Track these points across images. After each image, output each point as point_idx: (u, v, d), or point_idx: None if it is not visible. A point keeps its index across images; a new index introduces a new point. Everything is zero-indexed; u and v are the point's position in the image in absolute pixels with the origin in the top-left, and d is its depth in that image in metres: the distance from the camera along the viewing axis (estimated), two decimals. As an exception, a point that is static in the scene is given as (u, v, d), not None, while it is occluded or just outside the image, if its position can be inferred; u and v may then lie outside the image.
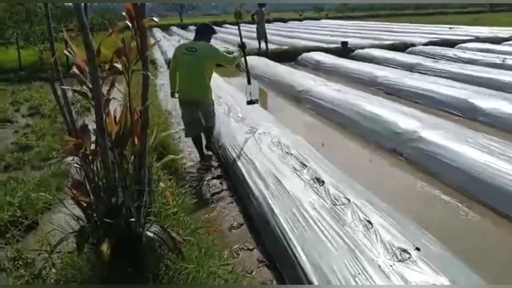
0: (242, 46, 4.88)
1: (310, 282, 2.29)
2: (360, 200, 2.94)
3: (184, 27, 35.85)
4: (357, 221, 2.69)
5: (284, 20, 40.62)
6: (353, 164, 4.48)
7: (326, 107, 6.61)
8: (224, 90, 7.30)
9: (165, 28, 35.61)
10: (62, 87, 2.26)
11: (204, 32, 4.73)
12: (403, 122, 5.10)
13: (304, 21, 42.46)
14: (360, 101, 6.24)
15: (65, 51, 2.14)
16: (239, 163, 4.05)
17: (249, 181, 3.61)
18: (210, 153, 5.01)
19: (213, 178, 4.40)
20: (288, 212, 2.93)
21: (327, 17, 48.18)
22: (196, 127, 4.65)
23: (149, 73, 2.16)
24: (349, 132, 5.69)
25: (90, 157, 1.94)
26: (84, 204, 1.93)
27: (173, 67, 4.72)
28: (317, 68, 11.48)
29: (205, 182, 4.27)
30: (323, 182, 3.27)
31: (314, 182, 3.31)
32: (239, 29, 5.91)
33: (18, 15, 16.46)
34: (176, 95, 4.72)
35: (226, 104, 6.32)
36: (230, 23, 39.08)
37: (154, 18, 2.16)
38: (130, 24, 2.06)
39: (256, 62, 11.85)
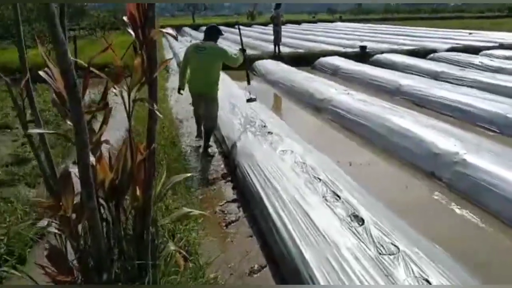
0: (242, 50, 5.41)
1: None
2: (411, 247, 2.41)
3: (196, 27, 35.42)
4: (411, 279, 2.16)
5: (298, 22, 40.01)
6: (388, 191, 3.96)
7: (350, 120, 6.07)
8: (239, 98, 6.77)
9: (177, 28, 35.30)
10: (31, 131, 1.76)
11: (212, 33, 5.20)
12: (441, 141, 4.54)
13: (318, 23, 41.87)
14: (389, 114, 5.69)
15: (40, 72, 1.65)
16: (258, 188, 3.53)
17: (272, 213, 3.09)
18: (210, 154, 5.19)
19: (228, 202, 3.89)
20: (322, 261, 2.41)
21: (341, 20, 47.45)
22: (200, 115, 5.34)
23: (156, 107, 1.66)
24: (378, 149, 5.15)
25: (74, 218, 1.44)
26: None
27: (184, 65, 5.22)
28: (335, 74, 10.93)
29: (219, 208, 3.77)
30: (363, 220, 2.74)
31: (352, 220, 2.78)
32: (239, 33, 6.21)
33: (29, 13, 16.21)
34: (182, 91, 5.27)
35: (242, 115, 5.81)
36: (242, 24, 38.80)
37: (170, 31, 1.64)
38: (133, 34, 1.57)
39: (271, 66, 11.36)
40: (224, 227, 3.43)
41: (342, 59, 12.21)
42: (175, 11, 78.13)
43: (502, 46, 14.57)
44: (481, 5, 61.02)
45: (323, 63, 12.13)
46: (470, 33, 20.95)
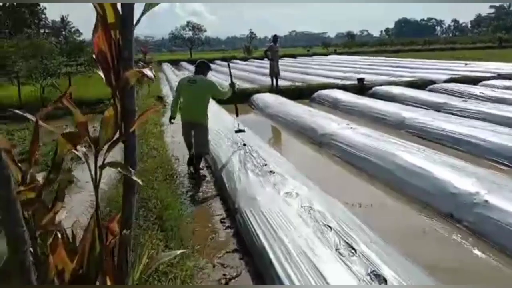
0: (232, 85, 5.93)
1: None
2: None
3: (193, 62, 35.58)
4: None
5: (293, 56, 40.48)
6: (406, 238, 3.59)
7: (355, 155, 5.74)
8: (246, 138, 6.46)
9: (174, 62, 35.60)
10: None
11: (202, 68, 5.75)
12: (457, 178, 4.21)
13: (313, 57, 42.36)
14: (397, 149, 5.38)
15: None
16: (262, 239, 3.15)
17: (279, 271, 2.70)
18: (202, 176, 5.54)
19: (228, 252, 3.50)
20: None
21: (336, 53, 48.10)
22: (191, 142, 5.64)
23: (134, 177, 1.32)
24: (388, 188, 4.79)
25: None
26: None
27: (177, 96, 5.74)
28: (334, 107, 10.71)
29: (218, 260, 3.37)
30: (385, 280, 2.36)
31: (372, 279, 2.40)
32: (229, 68, 6.58)
33: (25, 50, 16.10)
34: (173, 120, 5.80)
35: (241, 152, 5.48)
36: (239, 59, 39.23)
37: (148, 72, 1.30)
38: (103, 77, 1.25)
39: (269, 100, 11.14)
40: (225, 284, 3.03)
41: (341, 91, 12.04)
42: (172, 47, 79.36)
43: (500, 76, 14.51)
44: (473, 36, 62.21)
45: (322, 96, 11.94)
46: (466, 64, 21.03)
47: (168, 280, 2.64)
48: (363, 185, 5.07)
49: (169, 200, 3.83)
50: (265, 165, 4.80)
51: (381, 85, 13.18)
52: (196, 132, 5.54)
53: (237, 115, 6.51)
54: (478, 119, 7.63)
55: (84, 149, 1.33)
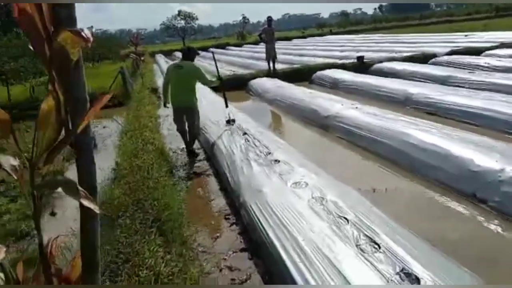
0: (219, 78, 6.10)
1: None
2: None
3: (187, 51, 35.01)
4: None
5: (289, 38, 39.81)
6: (430, 224, 3.27)
7: (364, 137, 5.40)
8: (242, 122, 6.14)
9: (168, 53, 35.04)
10: None
11: (189, 54, 5.92)
12: (478, 155, 3.87)
13: (308, 38, 41.69)
14: (408, 127, 5.04)
15: None
16: (272, 236, 2.83)
17: (296, 276, 2.39)
18: (193, 152, 5.94)
19: (235, 252, 3.19)
20: None
21: (331, 33, 47.34)
22: (182, 124, 5.83)
23: (92, 204, 1.03)
24: (403, 170, 4.47)
25: None
26: None
27: (166, 82, 5.87)
28: (335, 87, 10.33)
29: (225, 262, 3.06)
30: (418, 280, 2.04)
31: (402, 279, 2.09)
32: (214, 59, 6.84)
33: (13, 50, 15.68)
34: (168, 105, 5.87)
35: (242, 141, 5.15)
36: (233, 45, 38.64)
37: (84, 33, 0.94)
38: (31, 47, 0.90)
39: (268, 84, 10.75)
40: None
41: (341, 71, 11.65)
42: (165, 38, 78.45)
43: (503, 45, 14.06)
44: (469, 7, 61.31)
45: (321, 77, 11.55)
46: (466, 35, 20.51)
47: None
48: (374, 168, 4.74)
49: (167, 199, 3.51)
50: (269, 153, 4.47)
51: (381, 62, 12.76)
52: (187, 116, 5.71)
53: (226, 106, 6.43)
54: (489, 90, 7.27)
55: (16, 161, 0.98)
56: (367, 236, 2.54)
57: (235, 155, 4.74)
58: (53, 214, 4.19)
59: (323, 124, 6.58)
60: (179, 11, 66.81)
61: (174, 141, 6.81)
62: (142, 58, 20.19)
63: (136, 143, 5.83)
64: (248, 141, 5.13)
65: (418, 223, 3.18)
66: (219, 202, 4.22)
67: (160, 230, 3.03)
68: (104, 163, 5.55)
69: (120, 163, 5.01)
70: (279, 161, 4.14)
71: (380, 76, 10.59)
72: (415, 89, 7.71)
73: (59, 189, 0.93)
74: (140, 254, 2.68)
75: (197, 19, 66.56)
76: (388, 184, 4.16)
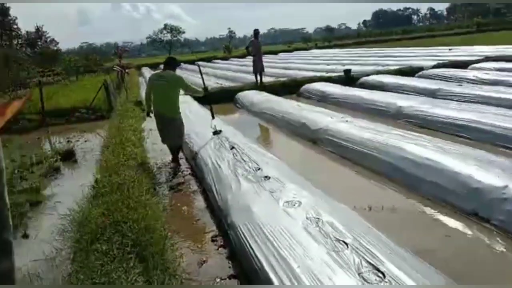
0: (205, 89, 6.27)
1: None
2: None
3: (172, 64, 34.78)
4: None
5: (275, 52, 39.94)
6: (434, 247, 3.04)
7: (355, 150, 5.20)
8: (229, 135, 5.91)
9: (154, 66, 34.77)
10: None
11: (170, 64, 5.95)
12: (479, 171, 3.69)
13: (294, 52, 41.93)
14: (401, 141, 4.86)
15: None
16: (264, 264, 2.56)
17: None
18: (178, 163, 5.97)
19: (222, 279, 2.91)
20: None
21: (317, 47, 47.73)
22: (167, 136, 5.86)
23: None
24: (399, 186, 4.26)
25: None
26: None
27: (148, 91, 5.92)
28: (323, 100, 10.18)
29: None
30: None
31: (413, 315, 1.84)
32: (200, 71, 7.18)
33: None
34: (151, 114, 5.95)
35: (230, 156, 4.90)
36: (220, 58, 38.60)
37: None
38: None
39: (255, 97, 10.57)
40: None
41: (329, 84, 11.55)
42: (152, 51, 78.30)
43: (489, 59, 14.17)
44: (450, 23, 62.57)
45: (309, 89, 11.41)
46: (450, 49, 20.76)
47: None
48: (369, 184, 4.53)
49: (149, 220, 3.22)
50: (259, 169, 4.23)
51: (368, 75, 12.70)
52: (170, 126, 5.72)
53: (213, 117, 6.68)
54: (479, 103, 7.19)
55: None
56: (369, 263, 2.30)
57: (222, 171, 4.48)
58: (25, 236, 3.86)
59: (312, 137, 6.38)
60: (165, 25, 66.90)
61: (158, 155, 6.55)
62: (127, 71, 19.92)
63: (117, 158, 5.54)
64: (236, 155, 4.89)
65: (420, 245, 2.95)
66: (206, 221, 3.95)
67: (140, 255, 2.74)
68: (83, 180, 5.24)
69: (100, 179, 4.71)
70: (269, 178, 3.89)
71: (368, 89, 10.50)
72: (405, 102, 7.58)
73: None
74: (117, 284, 2.40)
75: (183, 32, 66.70)
76: (384, 201, 3.94)
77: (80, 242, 3.15)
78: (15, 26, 42.15)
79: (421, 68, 13.42)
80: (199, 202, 4.52)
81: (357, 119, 6.41)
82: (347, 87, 10.71)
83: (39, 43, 45.43)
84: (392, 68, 14.11)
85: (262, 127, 8.46)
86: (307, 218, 2.95)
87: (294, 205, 3.19)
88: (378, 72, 13.21)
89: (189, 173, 5.64)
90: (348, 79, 12.65)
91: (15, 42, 38.93)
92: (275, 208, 3.18)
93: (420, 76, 12.17)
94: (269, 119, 8.56)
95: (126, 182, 4.12)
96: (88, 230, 3.21)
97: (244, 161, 4.61)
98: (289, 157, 5.46)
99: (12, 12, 41.88)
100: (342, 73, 13.44)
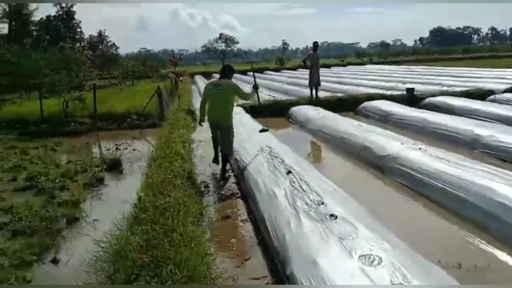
0: (255, 86, 6.19)
1: None
2: None
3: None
4: None
5: (328, 66, 39.16)
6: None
7: (435, 187, 4.44)
8: (285, 156, 5.35)
9: (207, 75, 35.07)
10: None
11: (226, 72, 5.99)
12: None
13: (348, 67, 40.95)
14: (491, 180, 4.06)
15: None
16: None
17: None
18: (226, 177, 5.79)
19: None
20: None
21: (371, 62, 46.42)
22: (219, 143, 5.91)
23: None
24: (493, 238, 3.49)
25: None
26: None
27: (204, 99, 6.04)
28: (384, 120, 9.40)
29: None
30: None
31: None
32: (253, 74, 7.31)
33: (55, 63, 15.57)
34: (202, 123, 6.12)
35: (287, 180, 4.33)
36: (272, 70, 38.39)
37: None
38: None
39: (310, 113, 9.97)
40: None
41: (390, 103, 10.72)
42: (205, 60, 79.75)
43: None
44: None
45: (368, 108, 10.64)
46: (521, 71, 19.15)
47: None
48: (454, 231, 3.76)
49: (193, 261, 2.69)
50: (322, 203, 3.61)
51: (434, 95, 11.74)
52: (222, 133, 5.78)
53: (259, 104, 7.20)
54: None
55: None
56: None
57: (278, 201, 3.91)
58: (55, 261, 3.45)
59: (378, 164, 5.67)
60: (221, 34, 67.89)
61: (206, 170, 6.15)
62: (181, 79, 19.92)
63: (164, 174, 5.12)
64: (294, 182, 4.29)
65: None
66: (257, 262, 3.37)
67: None
68: (127, 194, 4.85)
69: (143, 198, 4.27)
70: (336, 217, 3.27)
71: (434, 111, 9.61)
72: (483, 131, 6.68)
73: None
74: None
75: (237, 42, 67.38)
76: (475, 257, 3.21)
77: (113, 279, 2.67)
78: (78, 30, 44.07)
79: (491, 91, 12.28)
80: (249, 233, 3.96)
81: (431, 147, 5.63)
82: (411, 108, 9.85)
83: (101, 46, 47.29)
84: (458, 89, 13.03)
85: (319, 146, 7.82)
86: (392, 283, 2.30)
87: (373, 261, 2.54)
88: (443, 93, 12.20)
89: (238, 195, 5.13)
90: (411, 98, 11.76)
91: (78, 44, 40.59)
92: (349, 264, 2.55)
93: (492, 101, 11.06)
94: (325, 139, 7.92)
95: (171, 207, 3.63)
96: (123, 265, 2.74)
97: (304, 190, 4.01)
98: (353, 187, 4.75)
99: (76, 16, 43.88)
100: (403, 92, 12.56)
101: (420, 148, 5.51)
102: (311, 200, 3.72)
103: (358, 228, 3.04)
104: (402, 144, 5.80)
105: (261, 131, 6.46)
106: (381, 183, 5.27)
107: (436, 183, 4.44)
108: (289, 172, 4.66)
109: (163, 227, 3.16)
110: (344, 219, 3.22)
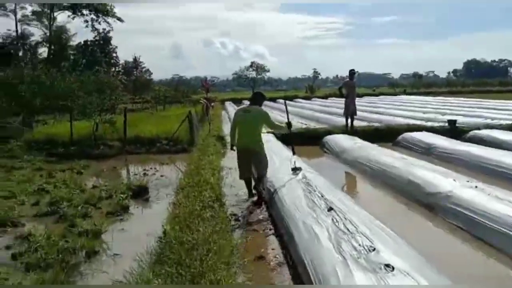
0: (288, 124, 6.19)
1: None
2: None
3: (255, 100, 35.00)
4: None
5: (359, 95, 38.60)
6: None
7: (498, 232, 3.87)
8: (323, 189, 4.89)
9: (237, 101, 35.20)
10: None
11: (257, 98, 5.97)
12: None
13: (381, 96, 40.27)
14: None
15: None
16: None
17: None
18: (256, 192, 5.73)
19: None
20: None
21: (405, 93, 45.52)
22: (247, 170, 5.80)
23: None
24: None
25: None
26: None
27: (234, 125, 5.99)
28: (428, 153, 8.78)
29: None
30: None
31: None
32: (286, 108, 7.03)
33: (89, 86, 15.75)
34: (235, 147, 5.90)
35: (328, 218, 3.85)
36: (302, 98, 38.24)
37: None
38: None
39: (346, 142, 9.48)
40: None
41: (432, 134, 10.13)
42: (235, 86, 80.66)
43: None
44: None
45: (409, 139, 10.05)
46: None
47: None
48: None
49: None
50: (373, 249, 3.11)
51: (479, 128, 11.04)
52: (254, 158, 5.70)
53: (293, 153, 6.58)
54: None
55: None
56: None
57: (320, 244, 3.43)
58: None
59: (427, 202, 5.11)
60: (252, 62, 68.71)
61: (236, 198, 5.80)
62: (212, 104, 19.85)
63: (192, 205, 4.74)
64: (337, 222, 3.81)
65: None
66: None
67: None
68: (151, 225, 4.47)
69: (169, 232, 3.89)
70: (392, 268, 2.76)
71: (480, 144, 8.95)
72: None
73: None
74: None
75: (268, 70, 67.97)
76: None
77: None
78: (114, 55, 45.33)
79: (540, 125, 11.46)
80: (288, 281, 3.48)
81: (487, 185, 5.04)
82: (456, 141, 9.21)
83: (135, 72, 48.40)
84: (503, 122, 12.28)
85: (358, 180, 7.30)
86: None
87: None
88: (488, 126, 11.49)
89: (272, 231, 4.67)
90: (454, 131, 11.09)
91: (113, 69, 41.65)
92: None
93: (544, 136, 10.26)
94: (363, 170, 7.41)
95: (199, 245, 3.22)
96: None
97: (350, 232, 3.52)
98: (401, 228, 4.17)
99: (113, 41, 45.17)
100: (444, 123, 11.94)
101: (476, 187, 4.93)
102: (359, 245, 3.22)
103: (421, 284, 2.52)
104: (454, 181, 5.24)
105: (293, 169, 5.98)
106: (429, 224, 4.70)
107: (496, 226, 3.87)
108: (330, 208, 4.19)
109: (189, 270, 2.74)
110: (402, 271, 2.72)
